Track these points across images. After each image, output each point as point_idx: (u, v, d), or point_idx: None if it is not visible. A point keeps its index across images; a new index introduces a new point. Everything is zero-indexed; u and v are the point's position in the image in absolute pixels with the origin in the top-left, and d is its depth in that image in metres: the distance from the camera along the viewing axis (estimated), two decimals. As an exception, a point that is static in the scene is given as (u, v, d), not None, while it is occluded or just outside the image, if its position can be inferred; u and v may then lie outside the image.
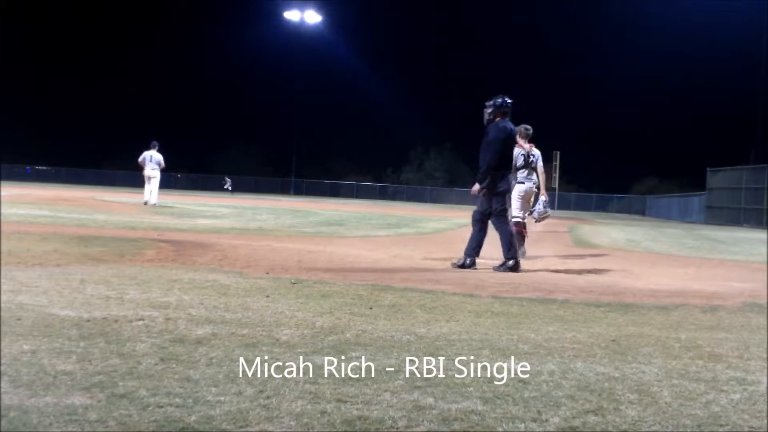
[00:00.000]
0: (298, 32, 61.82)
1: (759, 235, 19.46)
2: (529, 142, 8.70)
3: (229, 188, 51.44)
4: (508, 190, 7.42)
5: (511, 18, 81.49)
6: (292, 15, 60.98)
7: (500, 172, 7.14)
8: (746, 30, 46.13)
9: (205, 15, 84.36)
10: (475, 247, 7.12)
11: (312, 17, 60.57)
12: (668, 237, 16.99)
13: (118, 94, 71.77)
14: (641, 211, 50.97)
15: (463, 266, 7.05)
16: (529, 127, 8.84)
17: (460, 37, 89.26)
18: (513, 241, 7.09)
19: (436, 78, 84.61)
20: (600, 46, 73.30)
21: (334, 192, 64.32)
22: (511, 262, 6.98)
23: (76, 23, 75.19)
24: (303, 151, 68.28)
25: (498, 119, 7.22)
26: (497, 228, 7.20)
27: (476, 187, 7.24)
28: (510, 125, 7.30)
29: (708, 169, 33.34)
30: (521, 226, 8.51)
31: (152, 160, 18.87)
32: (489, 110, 7.27)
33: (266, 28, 75.61)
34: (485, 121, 7.29)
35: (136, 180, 27.27)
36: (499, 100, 7.26)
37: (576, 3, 76.70)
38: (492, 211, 7.17)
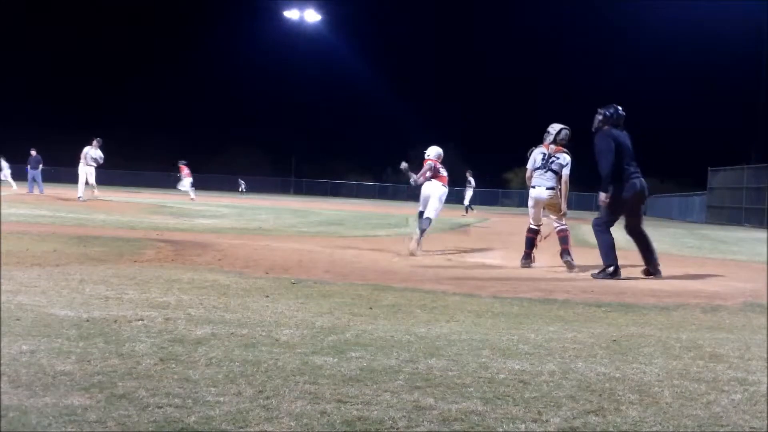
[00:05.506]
0: (297, 31, 61.89)
1: (760, 234, 19.45)
2: (562, 146, 7.82)
3: (243, 189, 51.63)
4: (629, 197, 7.08)
5: (512, 18, 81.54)
6: (291, 14, 61.05)
7: (621, 178, 7.01)
8: (747, 29, 46.10)
9: (204, 14, 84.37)
10: (614, 254, 6.98)
11: (311, 16, 60.61)
12: (669, 236, 16.99)
13: (117, 93, 71.86)
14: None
15: (613, 275, 6.86)
16: (555, 128, 7.84)
17: (460, 36, 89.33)
18: (612, 248, 6.96)
19: (436, 77, 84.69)
20: (600, 46, 73.34)
21: (334, 192, 64.27)
22: (610, 269, 6.87)
23: (76, 23, 75.16)
24: (303, 151, 68.36)
25: (606, 128, 7.11)
26: (595, 234, 7.14)
27: (602, 196, 7.13)
28: (616, 132, 7.07)
29: (709, 168, 33.33)
30: (532, 233, 7.92)
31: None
32: (599, 117, 7.17)
33: (266, 26, 75.69)
34: (594, 128, 7.21)
35: (136, 179, 27.37)
36: (611, 110, 7.14)
37: (576, 3, 76.72)
38: (600, 216, 7.12)
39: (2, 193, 16.25)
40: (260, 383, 2.61)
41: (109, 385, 2.50)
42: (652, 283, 6.65)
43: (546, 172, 7.73)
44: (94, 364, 2.77)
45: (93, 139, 18.68)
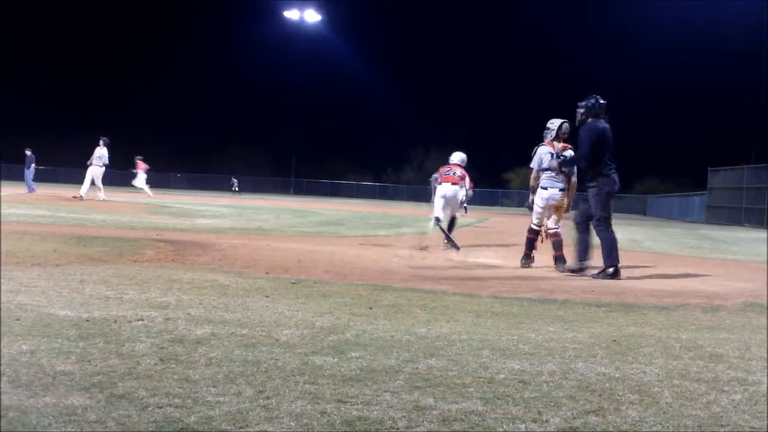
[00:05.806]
0: (297, 31, 61.93)
1: (760, 234, 19.45)
2: (564, 142, 7.75)
3: (236, 189, 51.59)
4: (613, 192, 7.06)
5: (511, 17, 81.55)
6: (291, 14, 61.09)
7: (602, 172, 6.92)
8: (746, 29, 46.12)
9: (204, 14, 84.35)
10: (585, 251, 7.01)
11: (311, 16, 60.65)
12: (669, 236, 16.99)
13: (118, 93, 71.84)
14: (642, 211, 50.95)
15: (579, 270, 6.95)
16: (555, 123, 7.77)
17: (460, 36, 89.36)
18: (614, 248, 6.88)
19: (436, 77, 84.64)
20: (599, 46, 73.34)
21: (334, 192, 64.27)
22: (611, 270, 6.79)
23: (75, 23, 75.13)
24: (303, 151, 68.41)
25: (590, 120, 7.05)
26: (598, 234, 7.05)
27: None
28: (603, 124, 7.03)
29: (709, 168, 33.35)
30: (533, 234, 7.83)
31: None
32: (581, 111, 7.11)
33: (266, 26, 75.66)
34: (577, 122, 7.17)
35: (133, 178, 27.44)
36: (591, 101, 7.08)
37: (576, 3, 76.73)
38: (595, 216, 7.03)
39: (2, 193, 16.24)
40: (260, 383, 2.61)
41: (109, 385, 2.50)
42: (652, 283, 6.65)
43: (557, 173, 7.63)
44: (94, 364, 2.77)
45: (100, 139, 18.70)
